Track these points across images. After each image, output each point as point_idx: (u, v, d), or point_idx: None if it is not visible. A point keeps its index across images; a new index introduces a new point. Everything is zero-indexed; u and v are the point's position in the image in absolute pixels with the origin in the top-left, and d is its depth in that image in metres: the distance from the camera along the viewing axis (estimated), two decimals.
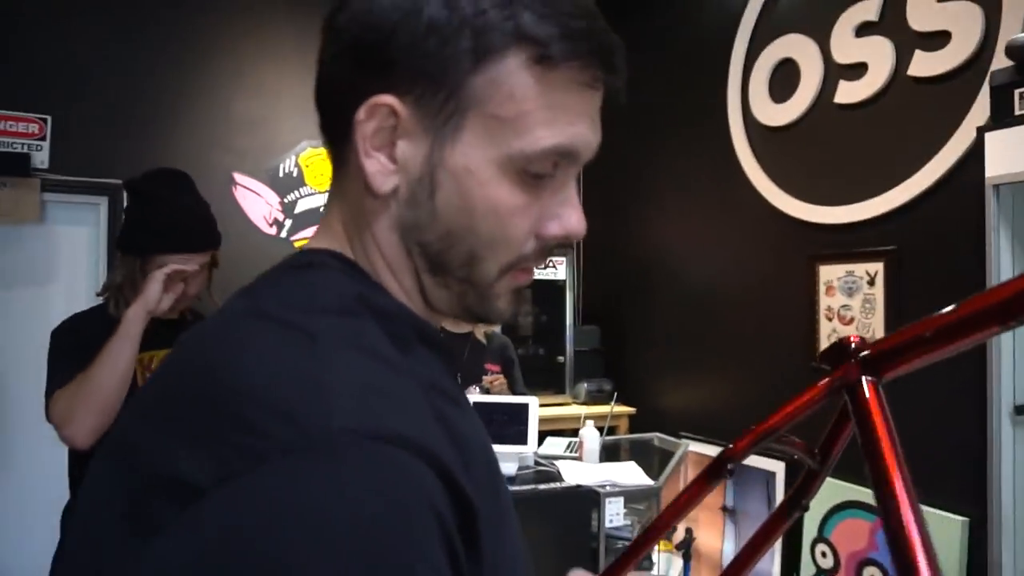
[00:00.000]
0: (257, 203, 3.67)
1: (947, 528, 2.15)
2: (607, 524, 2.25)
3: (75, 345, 1.53)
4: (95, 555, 0.41)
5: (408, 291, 0.52)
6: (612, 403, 3.10)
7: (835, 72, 2.64)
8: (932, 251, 2.22)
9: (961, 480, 1.93)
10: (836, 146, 2.63)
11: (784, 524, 0.76)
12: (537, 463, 2.48)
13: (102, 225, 3.51)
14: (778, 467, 2.79)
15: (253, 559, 0.33)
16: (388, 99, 0.48)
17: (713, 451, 3.10)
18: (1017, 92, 1.60)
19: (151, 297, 1.51)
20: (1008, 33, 1.97)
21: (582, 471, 2.42)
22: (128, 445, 0.43)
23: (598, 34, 0.48)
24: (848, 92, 2.58)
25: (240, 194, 3.59)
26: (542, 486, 2.17)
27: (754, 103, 3.01)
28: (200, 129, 3.58)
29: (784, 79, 2.87)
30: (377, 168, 0.49)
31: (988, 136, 1.64)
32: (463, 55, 0.47)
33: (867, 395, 0.51)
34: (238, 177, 3.64)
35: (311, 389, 0.39)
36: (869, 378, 0.52)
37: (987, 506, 1.69)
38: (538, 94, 0.47)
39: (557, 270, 3.71)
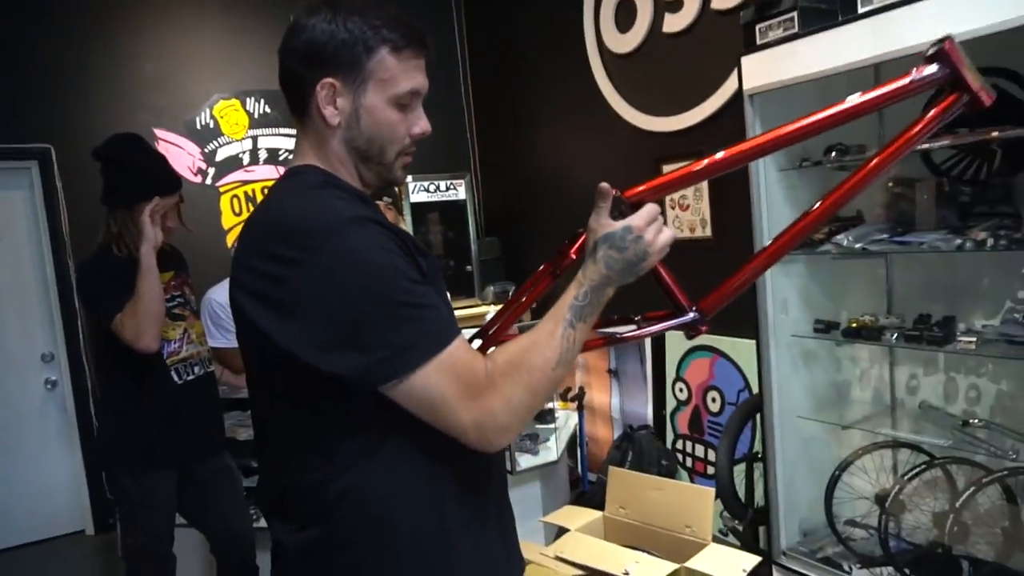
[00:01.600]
0: (180, 155, 4.03)
1: (738, 346, 2.92)
2: None
3: (109, 281, 2.03)
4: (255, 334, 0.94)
5: (352, 176, 1.05)
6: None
7: (661, 7, 3.24)
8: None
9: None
10: (666, 68, 3.26)
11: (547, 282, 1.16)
12: None
13: (36, 188, 3.81)
14: None
15: (349, 271, 0.87)
16: (330, 79, 0.99)
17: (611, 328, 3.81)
18: (757, 27, 2.24)
19: (150, 235, 2.01)
20: None
21: None
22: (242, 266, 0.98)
23: (416, 30, 1.02)
24: (671, 23, 3.20)
25: (163, 148, 3.93)
26: None
27: (605, 34, 3.59)
28: (117, 91, 3.89)
29: (626, 13, 3.45)
30: (330, 113, 1.01)
31: (743, 59, 2.29)
32: (360, 52, 0.98)
33: None
34: (159, 132, 3.98)
35: (322, 207, 0.93)
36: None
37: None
38: (396, 65, 1.00)
39: (458, 191, 4.26)
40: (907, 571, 2.22)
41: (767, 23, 2.28)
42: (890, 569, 2.26)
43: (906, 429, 2.43)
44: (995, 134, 1.95)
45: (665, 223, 0.99)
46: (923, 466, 2.22)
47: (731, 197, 2.97)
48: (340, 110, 1.00)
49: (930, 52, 0.96)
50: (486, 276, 4.31)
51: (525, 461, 3.02)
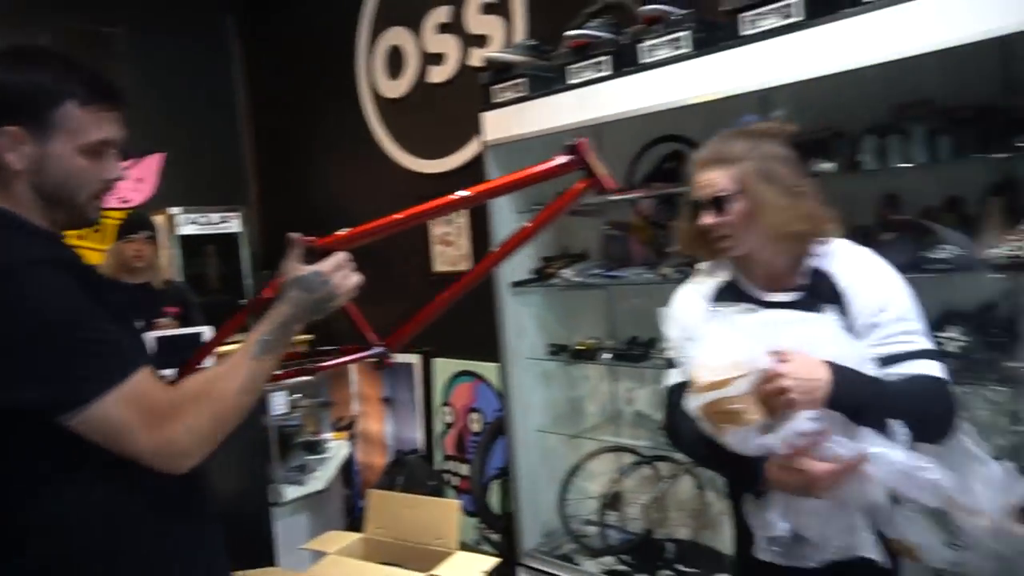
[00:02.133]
0: None
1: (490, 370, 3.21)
2: (274, 412, 2.94)
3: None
4: None
5: (41, 217, 1.06)
6: None
7: (426, 59, 3.52)
8: None
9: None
10: (431, 115, 3.53)
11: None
12: None
13: None
14: (415, 359, 3.71)
15: (25, 310, 0.93)
16: (12, 128, 1.02)
17: (395, 358, 3.93)
18: (493, 88, 2.57)
19: None
20: (520, 37, 2.98)
21: None
22: None
23: (106, 85, 1.08)
24: (435, 74, 3.49)
25: None
26: None
27: (377, 80, 3.80)
28: None
29: (395, 61, 3.69)
30: (13, 159, 1.03)
31: (484, 115, 2.61)
32: (44, 104, 1.02)
33: None
34: None
35: None
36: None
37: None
38: (83, 116, 1.04)
39: (231, 224, 4.21)
40: (623, 557, 2.58)
41: (501, 85, 2.61)
42: (613, 558, 2.61)
43: (626, 435, 2.82)
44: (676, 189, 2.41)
45: (355, 268, 1.15)
46: (633, 465, 2.61)
47: (486, 235, 3.26)
48: (26, 156, 1.03)
49: (566, 144, 1.20)
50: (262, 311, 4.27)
51: (291, 492, 3.05)
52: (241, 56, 4.72)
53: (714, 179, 1.33)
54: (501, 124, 2.59)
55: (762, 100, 2.28)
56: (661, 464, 2.66)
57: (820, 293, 1.31)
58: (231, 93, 4.67)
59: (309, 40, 4.25)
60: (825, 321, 1.22)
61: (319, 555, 2.61)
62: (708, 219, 1.34)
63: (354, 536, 2.63)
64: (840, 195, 2.15)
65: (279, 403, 2.98)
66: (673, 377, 1.38)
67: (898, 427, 1.13)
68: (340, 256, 1.13)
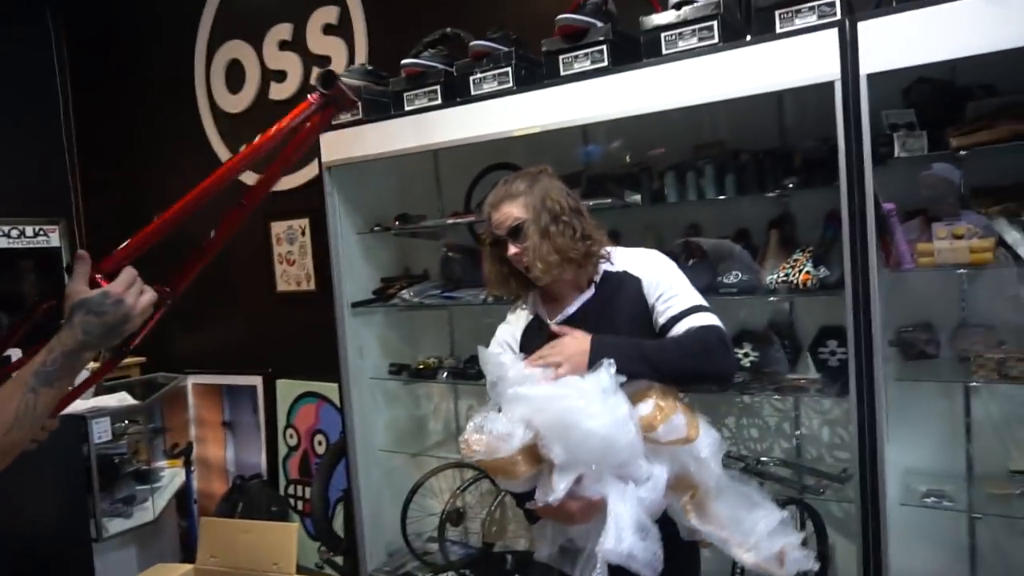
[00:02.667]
0: None
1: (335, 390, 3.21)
2: (96, 441, 2.76)
3: None
4: None
5: None
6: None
7: (268, 75, 3.47)
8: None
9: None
10: None
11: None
12: None
13: None
14: (257, 380, 3.61)
15: None
16: None
17: (214, 379, 3.79)
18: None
19: None
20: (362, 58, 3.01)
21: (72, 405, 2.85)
22: None
23: None
24: (278, 91, 3.44)
25: None
26: None
27: (216, 93, 3.68)
28: None
29: (236, 75, 3.60)
30: None
31: (321, 136, 2.62)
32: None
33: None
34: None
35: None
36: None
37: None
38: None
39: (50, 238, 3.90)
40: (464, 572, 2.65)
41: None
42: (453, 573, 2.67)
43: None
44: None
45: (145, 283, 1.09)
46: (471, 480, 2.69)
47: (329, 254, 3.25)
48: None
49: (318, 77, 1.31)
50: None
51: (115, 525, 2.87)
52: (66, 57, 4.39)
53: (508, 212, 1.53)
54: (340, 146, 2.61)
55: (583, 134, 2.48)
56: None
57: (609, 289, 1.58)
58: (52, 95, 4.31)
59: (144, 46, 4.04)
60: (585, 390, 1.37)
61: None
62: (512, 249, 1.48)
63: (185, 568, 2.54)
64: (648, 224, 2.39)
65: (102, 430, 2.80)
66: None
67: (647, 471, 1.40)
68: (129, 272, 1.07)
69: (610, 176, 2.34)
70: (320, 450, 3.40)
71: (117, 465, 3.04)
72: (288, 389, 3.50)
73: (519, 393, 1.40)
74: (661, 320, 1.53)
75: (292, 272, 3.47)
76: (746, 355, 2.28)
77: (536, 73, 2.23)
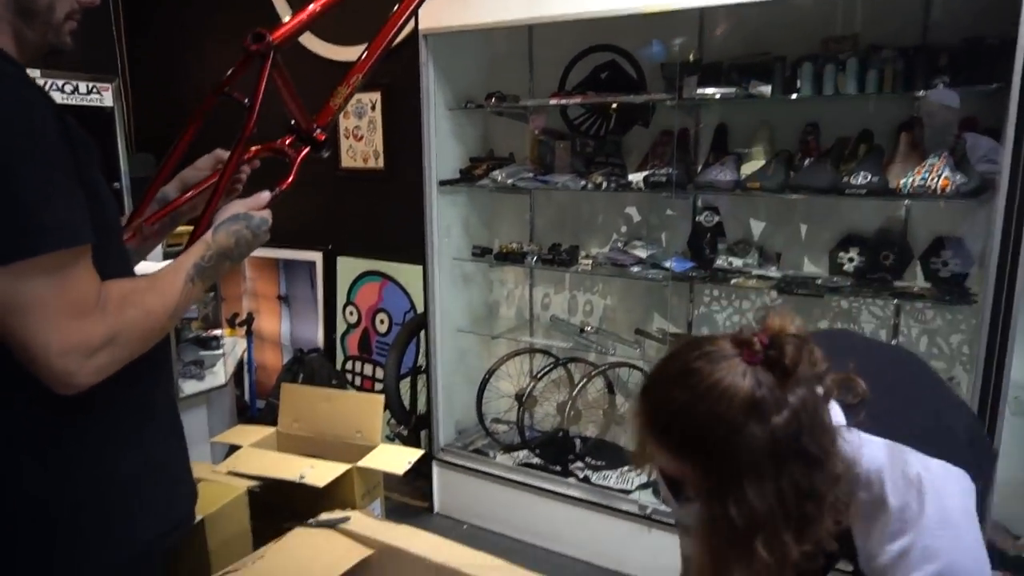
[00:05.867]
0: None
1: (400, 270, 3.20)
2: None
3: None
4: None
5: (7, 37, 0.88)
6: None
7: None
8: (408, 83, 3.07)
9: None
10: None
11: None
12: None
13: None
14: (317, 256, 3.58)
15: None
16: None
17: (271, 253, 3.76)
18: None
19: None
20: None
21: (140, 267, 2.83)
22: None
23: None
24: None
25: None
26: None
27: None
28: None
29: None
30: None
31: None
32: None
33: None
34: None
35: None
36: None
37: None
38: None
39: (103, 97, 3.75)
40: (536, 451, 2.73)
41: None
42: (525, 452, 2.75)
43: (540, 337, 2.93)
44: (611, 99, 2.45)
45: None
46: (549, 366, 2.73)
47: (401, 130, 3.15)
48: None
49: None
50: (137, 195, 3.91)
51: (190, 387, 2.91)
52: None
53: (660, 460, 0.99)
54: (440, 13, 2.47)
55: (700, 18, 2.36)
56: (573, 366, 2.80)
57: None
58: None
59: None
60: None
61: (225, 449, 2.55)
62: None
63: (268, 430, 2.58)
64: (762, 119, 2.32)
65: None
66: None
67: None
68: (266, 197, 1.12)
69: (733, 64, 2.24)
70: (381, 328, 3.43)
71: (178, 330, 3.05)
72: (349, 266, 3.48)
73: None
74: None
75: (359, 148, 3.37)
76: (851, 260, 2.27)
77: None
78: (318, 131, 1.27)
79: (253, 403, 3.54)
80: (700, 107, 2.39)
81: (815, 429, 0.81)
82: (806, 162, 2.21)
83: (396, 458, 2.34)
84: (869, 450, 0.87)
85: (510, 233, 2.89)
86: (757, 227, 2.44)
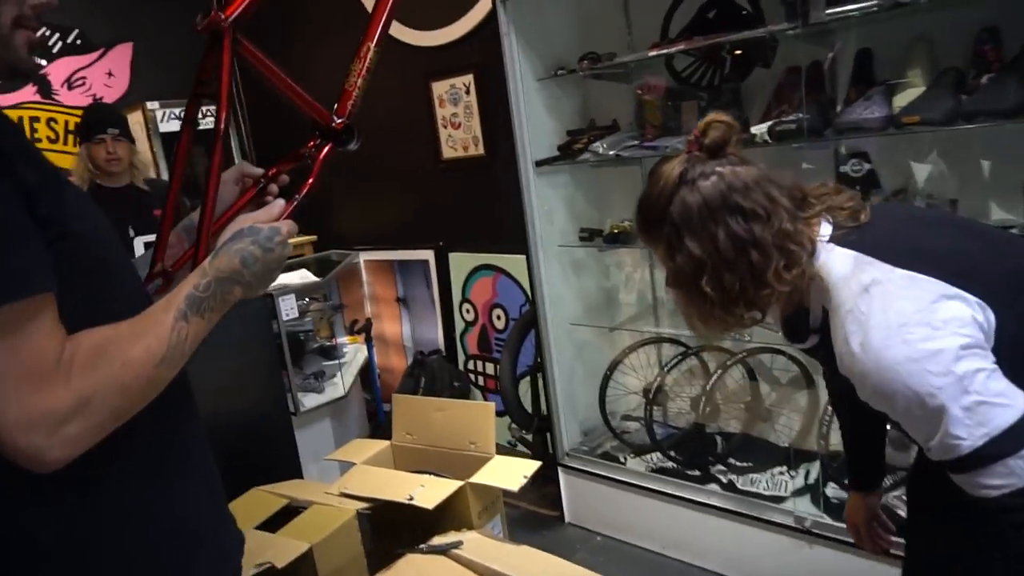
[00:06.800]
0: None
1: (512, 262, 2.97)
2: (284, 317, 2.72)
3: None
4: None
5: None
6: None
7: None
8: (499, 60, 2.83)
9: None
10: None
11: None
12: None
13: None
14: (428, 255, 3.45)
15: None
16: None
17: (385, 255, 3.69)
18: None
19: None
20: None
21: None
22: None
23: None
24: None
25: None
26: None
27: None
28: None
29: None
30: None
31: None
32: None
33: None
34: None
35: None
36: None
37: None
38: None
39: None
40: (672, 453, 2.43)
41: None
42: (659, 454, 2.46)
43: (667, 325, 2.60)
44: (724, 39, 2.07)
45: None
46: (680, 357, 2.40)
47: (497, 112, 2.92)
48: None
49: None
50: None
51: (310, 400, 2.88)
52: None
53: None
54: None
55: None
56: (707, 354, 2.46)
57: None
58: None
59: None
60: None
61: (346, 465, 2.46)
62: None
63: (382, 444, 2.47)
64: (923, 35, 1.84)
65: (288, 307, 2.75)
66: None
67: None
68: (279, 206, 0.93)
69: None
70: (499, 325, 3.24)
71: (303, 342, 3.03)
72: (462, 262, 3.32)
73: None
74: None
75: (458, 136, 3.19)
76: None
77: None
78: (336, 121, 1.06)
79: (380, 408, 3.49)
80: (832, 32, 1.95)
81: (750, 190, 0.96)
82: (983, 80, 1.73)
83: (511, 472, 2.13)
84: (835, 259, 0.97)
85: (621, 211, 2.57)
86: (921, 171, 1.97)
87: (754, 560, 2.09)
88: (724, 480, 2.22)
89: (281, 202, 0.95)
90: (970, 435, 0.84)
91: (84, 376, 0.68)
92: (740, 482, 2.20)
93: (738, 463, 2.30)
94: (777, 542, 2.01)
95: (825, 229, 1.00)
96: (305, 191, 1.01)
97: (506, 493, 2.18)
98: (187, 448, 0.88)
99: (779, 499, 2.08)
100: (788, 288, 0.96)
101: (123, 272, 0.85)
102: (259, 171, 1.03)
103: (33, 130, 3.61)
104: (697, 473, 2.29)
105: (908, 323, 0.87)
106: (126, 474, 0.79)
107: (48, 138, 3.65)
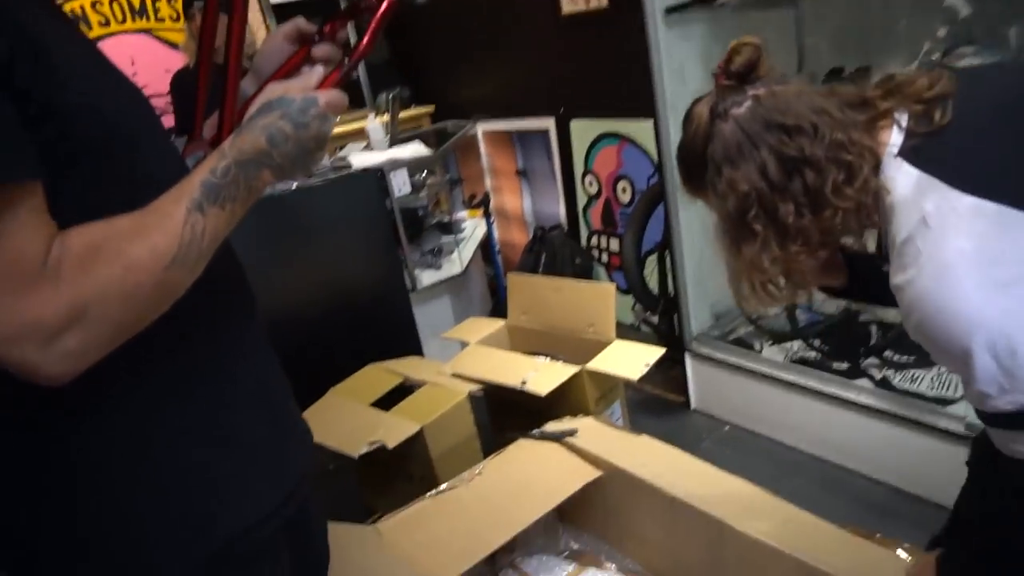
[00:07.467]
0: None
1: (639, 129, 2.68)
2: (396, 194, 2.63)
3: None
4: None
5: None
6: (392, 99, 3.11)
7: None
8: None
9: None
10: None
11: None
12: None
13: None
14: (550, 123, 3.21)
15: None
16: None
17: (504, 125, 3.48)
18: None
19: None
20: None
21: (370, 157, 2.72)
22: None
23: None
24: None
25: None
26: (332, 175, 2.47)
27: None
28: None
29: None
30: None
31: None
32: None
33: None
34: None
35: None
36: None
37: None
38: None
39: None
40: (815, 343, 2.17)
41: None
42: (800, 342, 2.21)
43: None
44: None
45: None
46: None
47: None
48: None
49: None
50: (376, 82, 3.85)
51: (427, 277, 2.83)
52: None
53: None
54: None
55: None
56: None
57: None
58: None
59: None
60: None
61: (467, 343, 2.41)
62: None
63: (497, 323, 2.39)
64: None
65: (400, 182, 2.64)
66: None
67: None
68: (318, 73, 0.75)
69: None
70: (624, 198, 3.00)
71: (420, 218, 2.95)
72: (584, 131, 3.05)
73: None
74: None
75: None
76: None
77: None
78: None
79: (500, 285, 3.41)
80: None
81: (790, 105, 0.83)
82: None
83: (631, 359, 1.98)
84: (900, 177, 0.82)
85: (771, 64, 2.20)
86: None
87: (911, 468, 1.84)
88: (877, 376, 1.96)
89: (319, 69, 0.77)
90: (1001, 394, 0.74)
91: (76, 280, 0.57)
92: (898, 379, 1.93)
93: (896, 357, 2.02)
94: (940, 450, 1.75)
95: (895, 137, 0.83)
96: (357, 56, 0.81)
97: None
98: (240, 353, 0.77)
99: (945, 401, 1.80)
100: (851, 204, 0.82)
101: (151, 156, 0.71)
102: (314, 28, 0.84)
103: (156, 9, 3.59)
104: (845, 366, 2.03)
105: (961, 265, 0.74)
106: (160, 388, 0.69)
107: (171, 17, 3.63)
